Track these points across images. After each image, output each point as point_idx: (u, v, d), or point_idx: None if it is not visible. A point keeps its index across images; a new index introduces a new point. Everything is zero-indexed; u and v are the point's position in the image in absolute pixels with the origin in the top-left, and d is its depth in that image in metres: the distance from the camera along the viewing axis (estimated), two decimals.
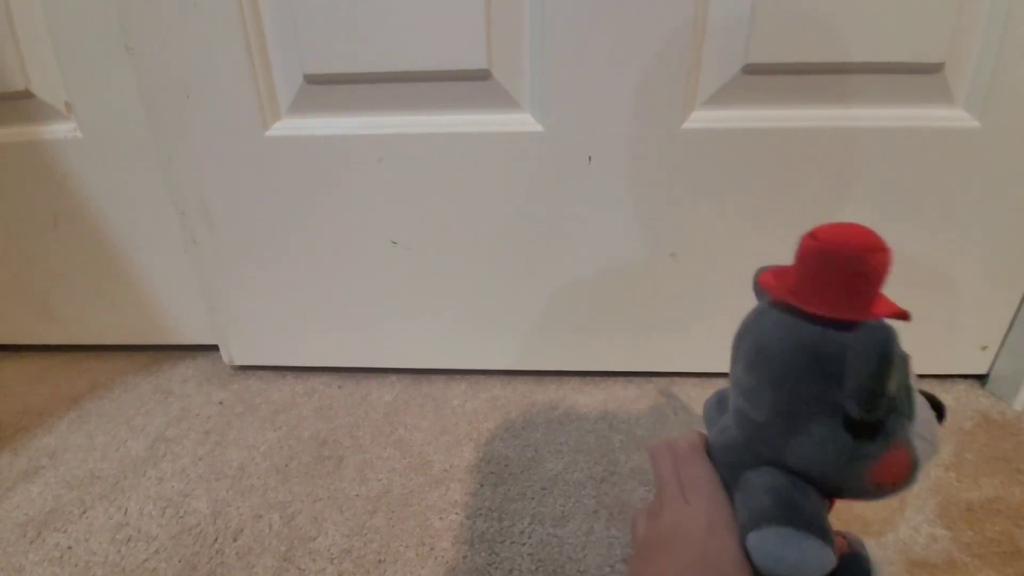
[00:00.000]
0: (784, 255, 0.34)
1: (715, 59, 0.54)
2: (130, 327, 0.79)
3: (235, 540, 0.51)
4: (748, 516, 0.29)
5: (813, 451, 0.28)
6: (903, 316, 0.28)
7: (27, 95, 0.64)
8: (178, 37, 0.56)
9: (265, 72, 0.58)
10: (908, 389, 0.29)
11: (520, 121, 0.58)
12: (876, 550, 0.47)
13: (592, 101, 0.56)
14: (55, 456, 0.63)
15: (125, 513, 0.55)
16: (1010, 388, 0.64)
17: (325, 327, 0.72)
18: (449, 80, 0.57)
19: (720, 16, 0.52)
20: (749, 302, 0.34)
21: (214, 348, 0.77)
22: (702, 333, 0.67)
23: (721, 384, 0.37)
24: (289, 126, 0.61)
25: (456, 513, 0.53)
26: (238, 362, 0.76)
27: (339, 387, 0.73)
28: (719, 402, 0.39)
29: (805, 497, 0.29)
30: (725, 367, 0.34)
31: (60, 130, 0.66)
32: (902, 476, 0.29)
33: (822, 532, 0.28)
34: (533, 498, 0.54)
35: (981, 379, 0.68)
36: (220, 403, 0.70)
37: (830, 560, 0.27)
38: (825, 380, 0.27)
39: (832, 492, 0.30)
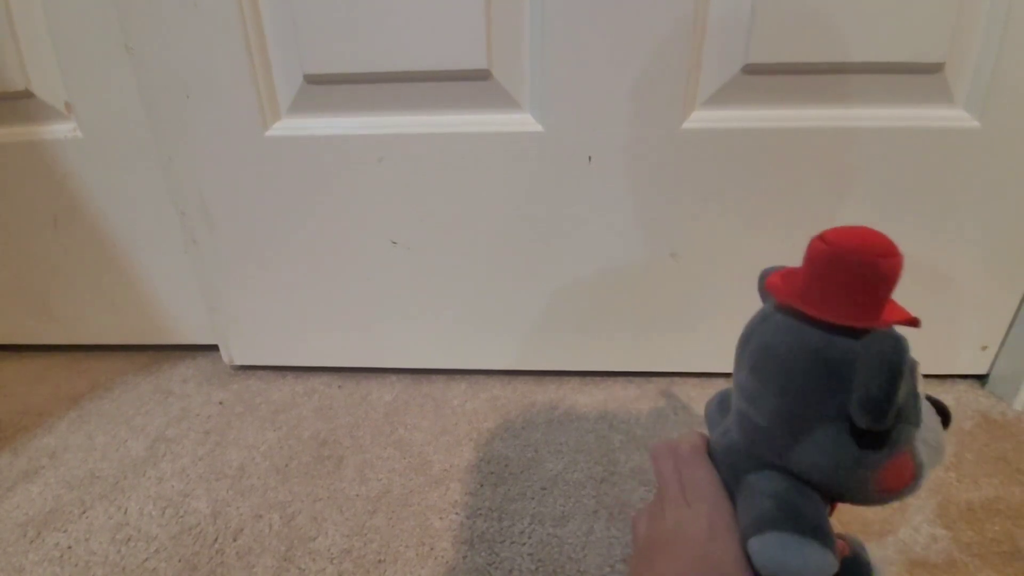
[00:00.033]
0: (784, 255, 0.34)
1: (715, 59, 0.54)
2: (130, 327, 0.79)
3: (235, 540, 0.51)
4: (750, 521, 0.29)
5: (817, 457, 0.28)
6: (913, 323, 0.27)
7: (27, 95, 0.64)
8: (178, 37, 0.56)
9: (265, 72, 0.58)
10: (915, 396, 0.28)
11: (520, 121, 0.58)
12: (876, 551, 0.47)
13: (592, 101, 0.56)
14: (55, 456, 0.63)
15: (125, 513, 0.55)
16: (1010, 388, 0.64)
17: (325, 327, 0.72)
18: (449, 80, 0.57)
19: (720, 16, 0.52)
20: (749, 302, 0.34)
21: (214, 348, 0.77)
22: (702, 333, 0.67)
23: (721, 384, 0.37)
24: (289, 126, 0.61)
25: (456, 513, 0.53)
26: (238, 362, 0.76)
27: (339, 387, 0.73)
28: (721, 403, 0.39)
29: (807, 502, 0.29)
30: (726, 367, 0.34)
31: (60, 130, 0.66)
32: (906, 482, 0.28)
33: (824, 537, 0.28)
34: (533, 498, 0.54)
35: (981, 379, 0.68)
36: (220, 403, 0.70)
37: (832, 565, 0.27)
38: (831, 387, 0.27)
39: (835, 497, 0.30)
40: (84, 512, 0.55)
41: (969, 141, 0.55)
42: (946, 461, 0.56)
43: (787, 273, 0.31)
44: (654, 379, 0.71)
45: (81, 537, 0.52)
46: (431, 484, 0.57)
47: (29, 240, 0.73)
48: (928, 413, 0.29)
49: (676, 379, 0.71)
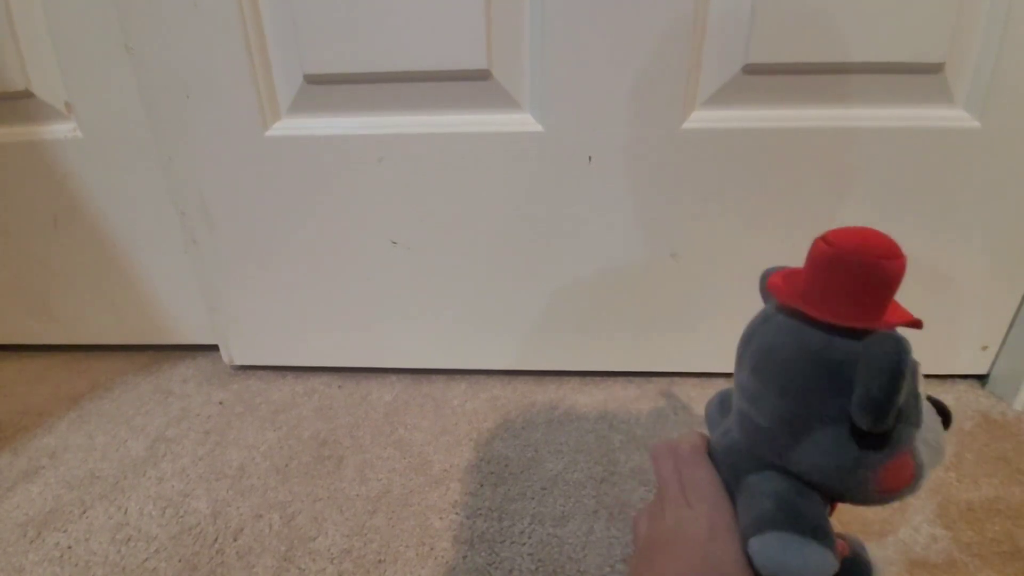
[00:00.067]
0: (784, 255, 0.34)
1: (715, 59, 0.54)
2: (130, 327, 0.79)
3: (235, 540, 0.51)
4: (750, 521, 0.29)
5: (818, 458, 0.28)
6: (916, 325, 0.27)
7: (27, 95, 0.64)
8: (178, 37, 0.56)
9: (265, 72, 0.58)
10: (916, 396, 0.29)
11: (520, 121, 0.58)
12: (877, 551, 0.47)
13: (592, 101, 0.56)
14: (55, 456, 0.63)
15: (125, 513, 0.55)
16: (1010, 388, 0.64)
17: (325, 327, 0.72)
18: (449, 80, 0.57)
19: (720, 16, 0.52)
20: (750, 302, 0.34)
21: (214, 348, 0.77)
22: (702, 333, 0.67)
23: (722, 384, 0.37)
24: (289, 126, 0.61)
25: (456, 513, 0.53)
26: (238, 362, 0.76)
27: (339, 387, 0.73)
28: (721, 403, 0.39)
29: (807, 502, 0.29)
30: (726, 367, 0.34)
31: (60, 130, 0.66)
32: (907, 483, 0.28)
33: (824, 537, 0.28)
34: (533, 498, 0.54)
35: (981, 379, 0.68)
36: (220, 403, 0.70)
37: (832, 565, 0.27)
38: (832, 388, 0.27)
39: (835, 497, 0.30)
40: (84, 512, 0.55)
41: (969, 141, 0.55)
42: (946, 461, 0.56)
43: (789, 274, 0.31)
44: (654, 379, 0.71)
45: (81, 537, 0.52)
46: (431, 484, 0.57)
47: (29, 240, 0.73)
48: (929, 413, 0.29)
49: (676, 379, 0.71)
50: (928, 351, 0.65)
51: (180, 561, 0.50)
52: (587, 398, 0.69)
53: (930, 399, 0.30)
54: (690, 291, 0.65)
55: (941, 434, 0.30)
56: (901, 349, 0.26)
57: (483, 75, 0.56)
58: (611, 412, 0.66)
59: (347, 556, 0.50)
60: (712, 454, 0.35)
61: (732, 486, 0.32)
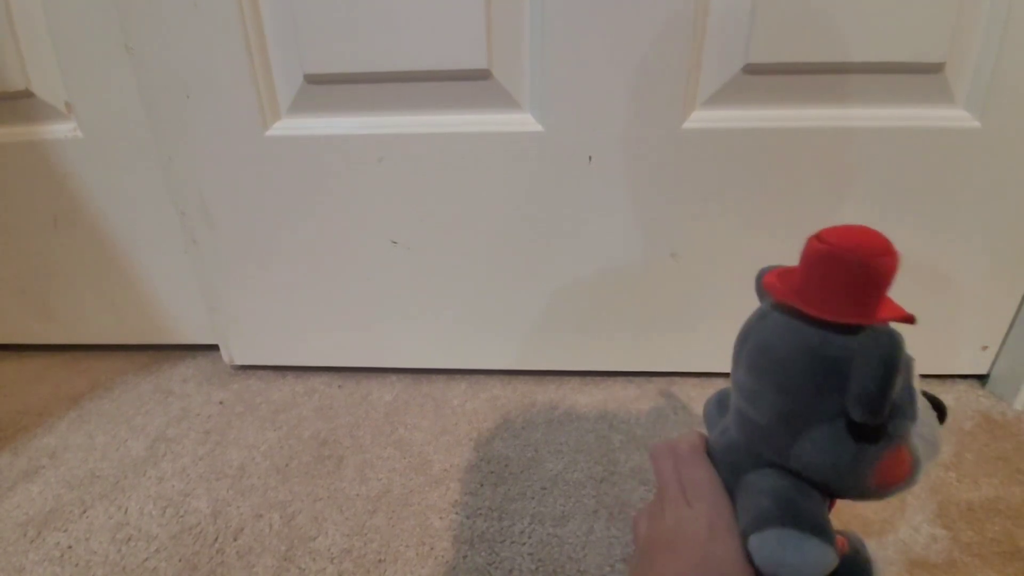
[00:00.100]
0: (784, 255, 0.34)
1: (715, 59, 0.54)
2: (130, 327, 0.80)
3: (235, 540, 0.51)
4: (749, 518, 0.29)
5: (815, 454, 0.28)
6: (909, 320, 0.27)
7: (27, 95, 0.64)
8: (178, 37, 0.56)
9: (265, 72, 0.58)
10: (911, 391, 0.29)
11: (520, 121, 0.58)
12: (876, 549, 0.47)
13: (592, 101, 0.56)
14: (55, 456, 0.63)
15: (125, 513, 0.55)
16: (1010, 388, 0.64)
17: (325, 327, 0.72)
18: (449, 80, 0.57)
19: (720, 16, 0.52)
20: (749, 302, 0.34)
21: (214, 348, 0.77)
22: (702, 333, 0.67)
23: (721, 384, 0.37)
24: (289, 126, 0.61)
25: (456, 513, 0.53)
26: (238, 362, 0.76)
27: (339, 387, 0.73)
28: (719, 403, 0.39)
29: (806, 498, 0.29)
30: (725, 367, 0.34)
31: (60, 130, 0.66)
32: (903, 477, 0.29)
33: (823, 533, 0.28)
34: (533, 498, 0.54)
35: (981, 379, 0.68)
36: (220, 403, 0.70)
37: (832, 561, 0.27)
38: (829, 384, 0.27)
39: (834, 493, 0.30)
40: (84, 512, 0.55)
41: (969, 141, 0.55)
42: (942, 456, 0.57)
43: (784, 272, 0.31)
44: (654, 379, 0.71)
45: (81, 537, 0.52)
46: (431, 484, 0.57)
47: (29, 240, 0.73)
48: (924, 409, 0.30)
49: (676, 379, 0.71)
50: (928, 351, 0.66)
51: (180, 561, 0.50)
52: (587, 398, 0.69)
53: (925, 394, 0.31)
54: (690, 291, 0.65)
55: (937, 429, 0.30)
56: (895, 343, 0.26)
57: (483, 75, 0.56)
58: (611, 412, 0.66)
59: (347, 556, 0.50)
60: (711, 453, 0.35)
61: (731, 485, 0.32)
